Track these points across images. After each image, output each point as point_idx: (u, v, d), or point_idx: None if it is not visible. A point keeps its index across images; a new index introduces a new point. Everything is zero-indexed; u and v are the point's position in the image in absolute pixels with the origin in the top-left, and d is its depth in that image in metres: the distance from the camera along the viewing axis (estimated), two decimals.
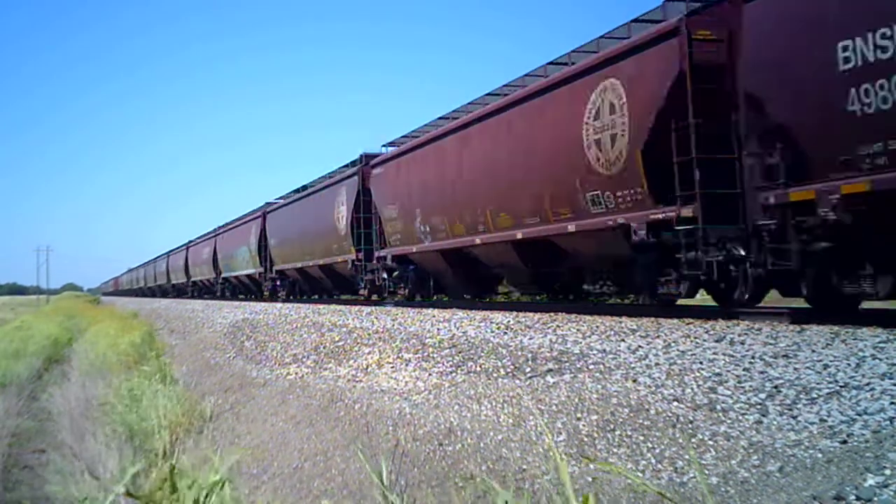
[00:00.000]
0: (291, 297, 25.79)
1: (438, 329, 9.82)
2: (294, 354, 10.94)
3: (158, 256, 61.70)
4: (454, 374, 7.34)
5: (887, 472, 3.51)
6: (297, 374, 9.67)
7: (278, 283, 26.68)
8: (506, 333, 8.65)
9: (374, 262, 17.98)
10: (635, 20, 10.02)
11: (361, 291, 18.87)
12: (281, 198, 28.00)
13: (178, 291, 49.93)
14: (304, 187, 24.78)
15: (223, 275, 35.09)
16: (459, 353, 7.98)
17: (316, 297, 24.97)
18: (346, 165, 20.68)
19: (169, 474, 3.16)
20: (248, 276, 30.54)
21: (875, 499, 3.30)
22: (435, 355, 8.21)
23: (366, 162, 18.58)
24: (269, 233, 27.20)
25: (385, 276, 17.39)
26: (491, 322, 9.81)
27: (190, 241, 45.80)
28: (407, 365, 8.25)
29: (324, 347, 10.57)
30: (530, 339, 8.02)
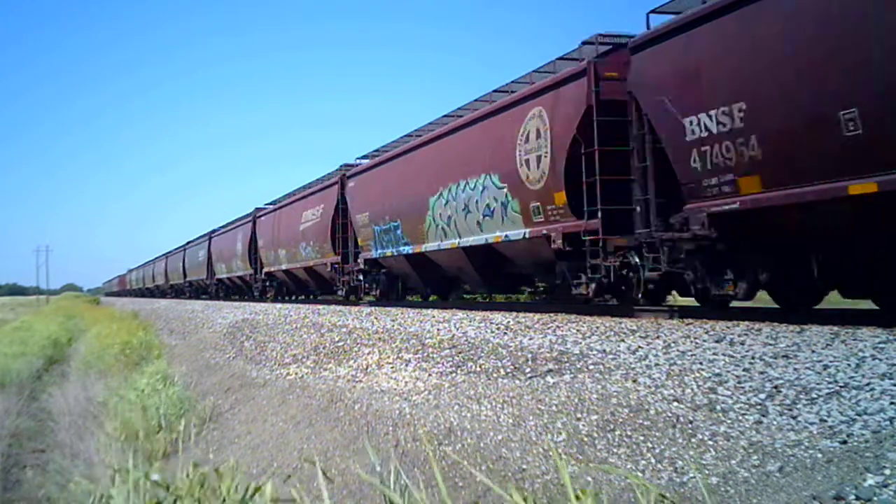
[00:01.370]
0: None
1: (438, 329, 9.82)
2: (294, 355, 10.94)
3: (191, 242, 41.44)
4: (454, 375, 7.34)
5: (887, 471, 3.51)
6: (296, 374, 9.67)
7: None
8: (505, 334, 8.65)
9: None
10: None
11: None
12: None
13: (228, 291, 32.76)
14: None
15: (399, 249, 15.99)
16: (459, 353, 7.98)
17: None
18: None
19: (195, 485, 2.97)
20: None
21: (875, 498, 3.30)
22: (435, 355, 8.21)
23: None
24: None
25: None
26: (491, 322, 9.80)
27: (238, 219, 29.58)
28: (407, 365, 8.25)
29: (323, 348, 10.56)
30: (530, 339, 8.02)
